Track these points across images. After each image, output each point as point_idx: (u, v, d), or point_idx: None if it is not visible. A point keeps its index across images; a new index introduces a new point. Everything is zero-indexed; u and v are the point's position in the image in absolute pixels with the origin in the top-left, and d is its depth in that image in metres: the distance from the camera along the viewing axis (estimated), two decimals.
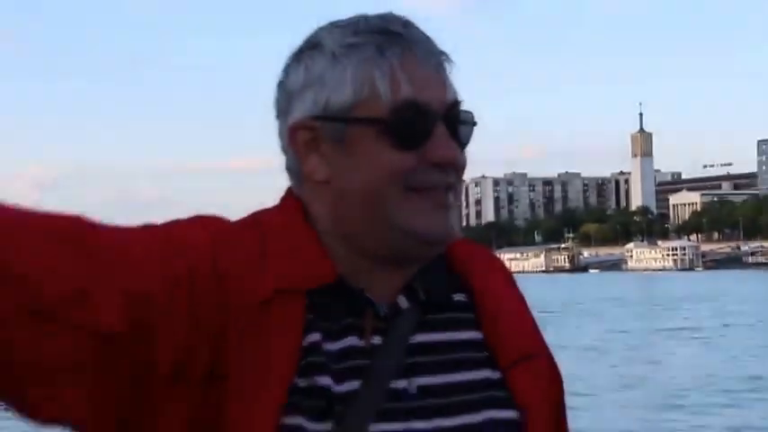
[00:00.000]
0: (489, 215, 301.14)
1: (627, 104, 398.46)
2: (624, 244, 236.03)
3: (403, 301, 1.58)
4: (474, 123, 1.61)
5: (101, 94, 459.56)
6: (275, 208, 1.63)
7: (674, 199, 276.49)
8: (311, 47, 1.59)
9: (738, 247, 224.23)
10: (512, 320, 1.64)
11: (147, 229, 1.55)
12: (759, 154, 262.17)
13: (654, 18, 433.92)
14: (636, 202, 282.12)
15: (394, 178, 1.52)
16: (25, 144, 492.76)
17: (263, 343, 1.49)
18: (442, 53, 1.59)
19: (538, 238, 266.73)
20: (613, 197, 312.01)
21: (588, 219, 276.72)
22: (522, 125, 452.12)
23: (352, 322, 1.55)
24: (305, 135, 1.57)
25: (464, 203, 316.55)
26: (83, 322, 1.40)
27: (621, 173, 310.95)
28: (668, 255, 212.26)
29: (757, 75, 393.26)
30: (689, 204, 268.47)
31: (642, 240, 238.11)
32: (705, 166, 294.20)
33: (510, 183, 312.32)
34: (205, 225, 1.57)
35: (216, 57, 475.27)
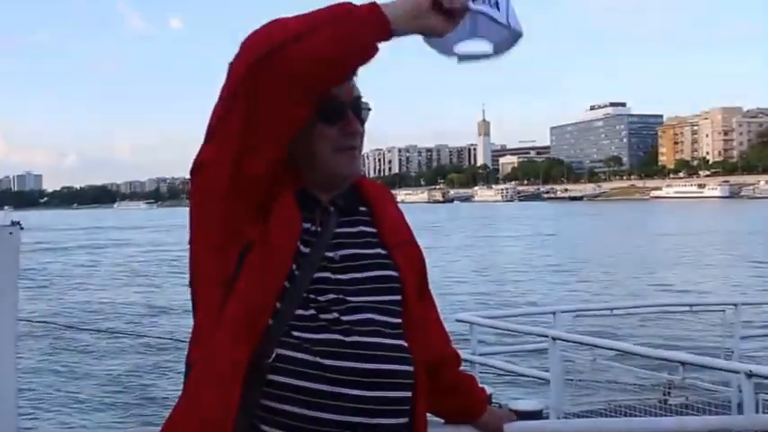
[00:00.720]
0: (395, 169, 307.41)
1: (477, 104, 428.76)
2: (473, 186, 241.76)
3: (330, 208, 1.72)
4: (369, 109, 1.73)
5: None
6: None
7: (502, 160, 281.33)
8: None
9: (539, 189, 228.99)
10: (393, 222, 1.80)
11: None
12: (551, 135, 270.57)
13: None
14: (480, 161, 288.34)
15: (325, 141, 1.65)
16: None
17: (285, 218, 1.58)
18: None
19: (422, 182, 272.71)
20: (467, 158, 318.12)
21: (452, 171, 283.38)
22: (418, 117, 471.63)
23: (308, 215, 1.67)
24: None
25: (382, 162, 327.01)
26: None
27: (472, 144, 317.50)
28: (498, 192, 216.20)
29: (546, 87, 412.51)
30: (510, 164, 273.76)
31: (483, 185, 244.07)
32: (520, 141, 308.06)
33: (407, 150, 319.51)
34: None
35: None
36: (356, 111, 1.71)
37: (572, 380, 5.84)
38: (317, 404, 1.54)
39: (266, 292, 1.57)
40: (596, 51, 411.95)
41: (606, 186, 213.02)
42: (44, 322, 15.38)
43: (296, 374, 1.55)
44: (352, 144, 1.70)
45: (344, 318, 1.62)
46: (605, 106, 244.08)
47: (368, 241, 1.74)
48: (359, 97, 1.72)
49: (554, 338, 5.61)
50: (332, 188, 1.74)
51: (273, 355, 1.54)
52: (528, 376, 6.29)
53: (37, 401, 11.85)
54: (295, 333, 1.58)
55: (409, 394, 1.64)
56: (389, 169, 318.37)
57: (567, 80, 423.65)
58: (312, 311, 1.60)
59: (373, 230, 1.76)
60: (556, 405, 5.55)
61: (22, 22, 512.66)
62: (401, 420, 1.62)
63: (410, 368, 1.66)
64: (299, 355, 1.56)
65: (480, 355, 6.48)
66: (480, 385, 1.97)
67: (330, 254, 1.67)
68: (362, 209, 1.79)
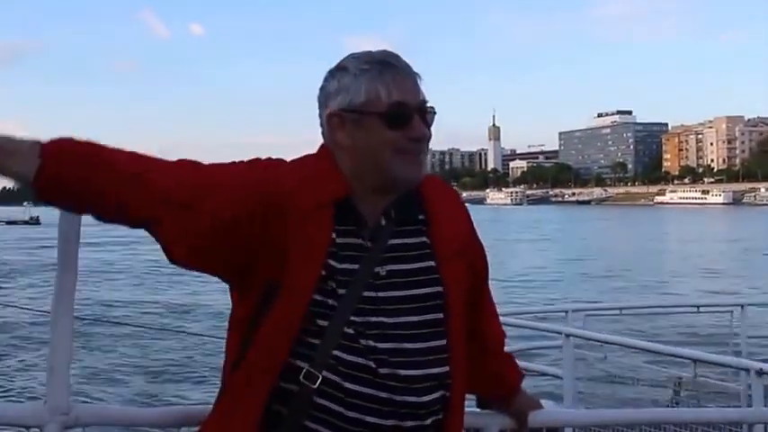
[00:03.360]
0: None
1: (488, 108, 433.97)
2: (484, 189, 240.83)
3: (382, 219, 1.65)
4: (434, 113, 1.67)
5: None
6: (315, 155, 1.68)
7: (512, 164, 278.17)
8: (340, 68, 1.67)
9: (547, 192, 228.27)
10: (450, 229, 1.70)
11: (236, 165, 1.60)
12: (560, 139, 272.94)
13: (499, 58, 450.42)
14: (491, 165, 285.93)
15: (388, 145, 1.59)
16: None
17: (309, 236, 1.53)
18: (416, 73, 1.65)
19: None
20: (478, 162, 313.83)
21: (465, 174, 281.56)
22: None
23: (355, 229, 1.60)
24: (336, 119, 1.64)
25: None
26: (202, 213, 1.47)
27: (483, 148, 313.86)
28: (508, 195, 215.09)
29: (561, 91, 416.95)
30: (520, 168, 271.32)
31: (494, 188, 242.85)
32: (529, 146, 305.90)
33: None
34: (268, 164, 1.62)
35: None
36: (422, 115, 1.64)
37: (583, 377, 5.84)
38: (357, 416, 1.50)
39: (281, 337, 1.50)
40: (604, 60, 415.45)
41: (612, 191, 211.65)
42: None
43: (329, 396, 1.51)
44: (417, 148, 1.63)
45: (380, 345, 1.56)
46: (612, 114, 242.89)
47: (421, 254, 1.66)
48: (425, 101, 1.66)
49: (567, 335, 5.56)
50: (389, 192, 1.65)
51: (319, 380, 1.49)
52: (542, 373, 6.19)
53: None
54: (335, 352, 1.52)
55: (436, 417, 1.58)
56: None
57: (575, 87, 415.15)
58: (352, 333, 1.54)
59: (426, 240, 1.67)
60: (570, 401, 5.47)
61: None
62: None
63: (441, 394, 1.60)
64: (333, 377, 1.51)
65: None
66: (516, 367, 1.91)
67: (378, 269, 1.61)
68: (421, 217, 1.69)
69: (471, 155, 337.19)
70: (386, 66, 1.63)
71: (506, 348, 1.80)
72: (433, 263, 1.64)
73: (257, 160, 1.65)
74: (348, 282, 1.58)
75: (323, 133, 1.70)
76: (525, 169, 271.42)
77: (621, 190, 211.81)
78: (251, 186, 1.56)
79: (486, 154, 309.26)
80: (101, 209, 1.49)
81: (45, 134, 1.35)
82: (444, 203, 1.73)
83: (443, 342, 1.63)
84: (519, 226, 76.47)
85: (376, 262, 1.60)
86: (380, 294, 1.60)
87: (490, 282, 1.77)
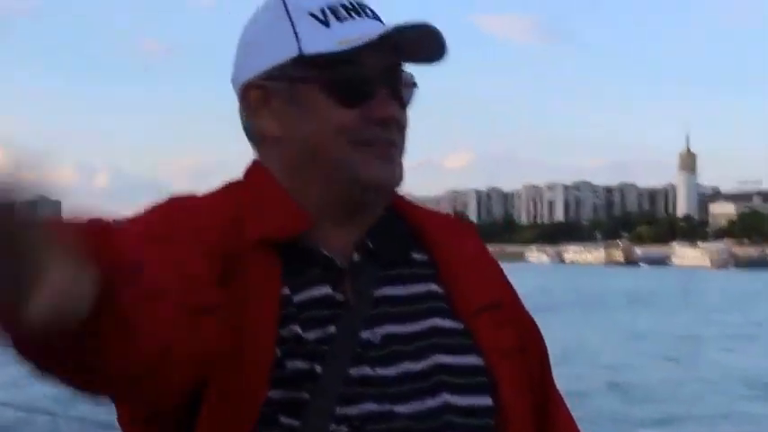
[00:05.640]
0: (560, 215, 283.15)
1: (678, 125, 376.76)
2: (669, 243, 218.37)
3: (354, 254, 1.36)
4: (414, 84, 1.38)
5: None
6: (242, 177, 1.44)
7: (712, 208, 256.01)
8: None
9: (765, 252, 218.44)
10: (471, 274, 1.42)
11: (137, 227, 1.29)
12: None
13: (699, 56, 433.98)
14: (681, 209, 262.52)
15: (339, 131, 1.35)
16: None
17: (248, 293, 1.29)
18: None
19: (598, 235, 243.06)
20: (662, 204, 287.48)
21: (641, 221, 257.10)
22: (591, 139, 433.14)
23: (319, 274, 1.33)
24: (255, 94, 1.42)
25: (539, 205, 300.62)
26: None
27: (669, 184, 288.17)
28: (706, 254, 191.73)
29: None
30: (725, 215, 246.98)
31: (684, 241, 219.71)
32: (740, 182, 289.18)
33: (577, 189, 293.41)
34: (178, 206, 1.36)
35: None
36: (390, 85, 1.36)
37: None
38: None
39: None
40: None
41: None
42: None
43: None
44: (385, 136, 1.36)
45: None
46: None
47: (429, 307, 1.38)
48: (396, 65, 1.37)
49: None
50: (351, 213, 1.37)
51: None
52: None
53: None
54: None
55: None
56: (550, 214, 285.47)
57: None
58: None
59: (437, 289, 1.40)
60: None
61: None
62: None
63: None
64: None
65: None
66: None
67: (366, 334, 1.33)
68: (417, 256, 1.43)
69: (653, 193, 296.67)
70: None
71: None
72: (452, 322, 1.38)
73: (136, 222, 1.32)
74: (321, 355, 1.28)
75: (244, 130, 1.43)
76: (734, 216, 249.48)
77: None
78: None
79: (674, 192, 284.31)
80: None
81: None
82: (451, 236, 1.46)
83: None
84: (720, 302, 62.30)
85: (361, 322, 1.33)
86: (382, 371, 1.32)
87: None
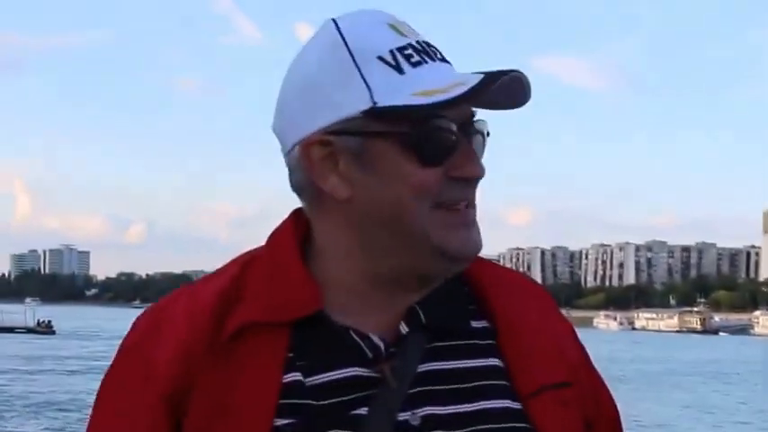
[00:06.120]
0: (630, 278, 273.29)
1: (761, 181, 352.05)
2: (752, 311, 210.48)
3: (402, 326, 1.26)
4: (488, 133, 1.30)
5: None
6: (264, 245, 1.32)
7: None
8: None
9: None
10: (536, 346, 1.31)
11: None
12: None
13: None
14: (764, 273, 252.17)
15: (421, 192, 1.25)
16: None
17: (230, 388, 1.22)
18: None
19: (673, 300, 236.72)
20: (744, 268, 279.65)
21: (720, 286, 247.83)
22: (666, 195, 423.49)
23: (347, 354, 1.25)
24: (319, 152, 1.33)
25: (608, 266, 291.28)
26: None
27: (753, 246, 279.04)
28: None
29: None
30: None
31: None
32: None
33: (650, 249, 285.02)
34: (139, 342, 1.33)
35: None
36: (469, 137, 1.27)
37: None
38: None
39: None
40: None
41: None
42: None
43: None
44: (468, 197, 1.26)
45: None
46: None
47: (482, 385, 1.29)
48: (472, 115, 1.27)
49: None
50: (426, 284, 1.28)
51: None
52: None
53: None
54: None
55: None
56: (620, 277, 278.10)
57: None
58: None
59: (496, 363, 1.30)
60: None
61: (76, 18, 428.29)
62: None
63: None
64: None
65: None
66: None
67: (405, 415, 1.24)
68: (477, 324, 1.33)
69: (734, 255, 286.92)
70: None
71: None
72: (510, 402, 1.29)
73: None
74: None
75: (296, 188, 1.31)
76: None
77: None
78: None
79: (757, 254, 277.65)
80: None
81: None
82: (518, 301, 1.36)
83: None
84: None
85: (398, 402, 1.25)
86: None
87: None
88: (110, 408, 1.28)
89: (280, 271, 1.26)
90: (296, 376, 1.22)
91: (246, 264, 1.30)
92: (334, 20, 1.25)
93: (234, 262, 1.33)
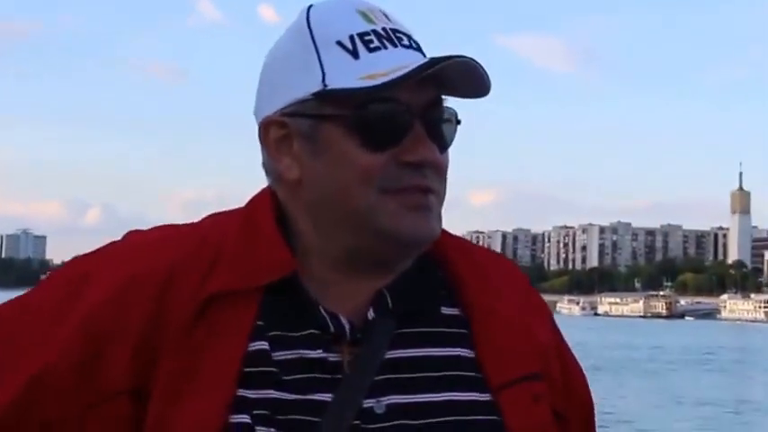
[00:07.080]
0: (594, 261, 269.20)
1: (728, 162, 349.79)
2: (719, 295, 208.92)
3: (370, 312, 1.27)
4: (458, 122, 1.31)
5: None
6: (241, 208, 1.36)
7: None
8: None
9: None
10: (508, 336, 1.31)
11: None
12: None
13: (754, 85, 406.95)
14: (732, 256, 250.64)
15: (366, 177, 1.28)
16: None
17: (198, 353, 1.23)
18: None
19: (638, 284, 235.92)
20: (711, 250, 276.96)
21: (686, 269, 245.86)
22: (630, 176, 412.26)
23: (314, 334, 1.26)
24: (275, 131, 1.36)
25: (570, 248, 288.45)
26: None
27: (720, 228, 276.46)
28: (760, 307, 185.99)
29: None
30: None
31: (736, 292, 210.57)
32: None
33: (615, 231, 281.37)
34: (126, 260, 1.33)
35: None
36: (431, 124, 1.27)
37: None
38: None
39: None
40: None
41: None
42: None
43: None
44: (417, 182, 1.26)
45: None
46: None
47: (448, 376, 1.28)
48: (435, 101, 1.28)
49: None
50: (378, 267, 1.29)
51: None
52: None
53: None
54: None
55: None
56: (583, 260, 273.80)
57: None
58: None
59: (469, 354, 1.30)
60: None
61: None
62: None
63: None
64: None
65: None
66: None
67: (370, 402, 1.23)
68: (448, 311, 1.32)
69: (700, 237, 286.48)
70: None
71: None
72: (478, 394, 1.28)
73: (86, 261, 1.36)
74: (309, 426, 1.20)
75: (263, 167, 1.35)
76: None
77: None
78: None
79: (725, 236, 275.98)
80: None
81: None
82: (501, 299, 1.36)
83: None
84: None
85: (363, 389, 1.24)
86: None
87: None
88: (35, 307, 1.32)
89: (256, 232, 1.26)
90: (263, 345, 1.21)
91: (216, 225, 1.30)
92: (309, 6, 1.28)
93: (211, 221, 1.36)
